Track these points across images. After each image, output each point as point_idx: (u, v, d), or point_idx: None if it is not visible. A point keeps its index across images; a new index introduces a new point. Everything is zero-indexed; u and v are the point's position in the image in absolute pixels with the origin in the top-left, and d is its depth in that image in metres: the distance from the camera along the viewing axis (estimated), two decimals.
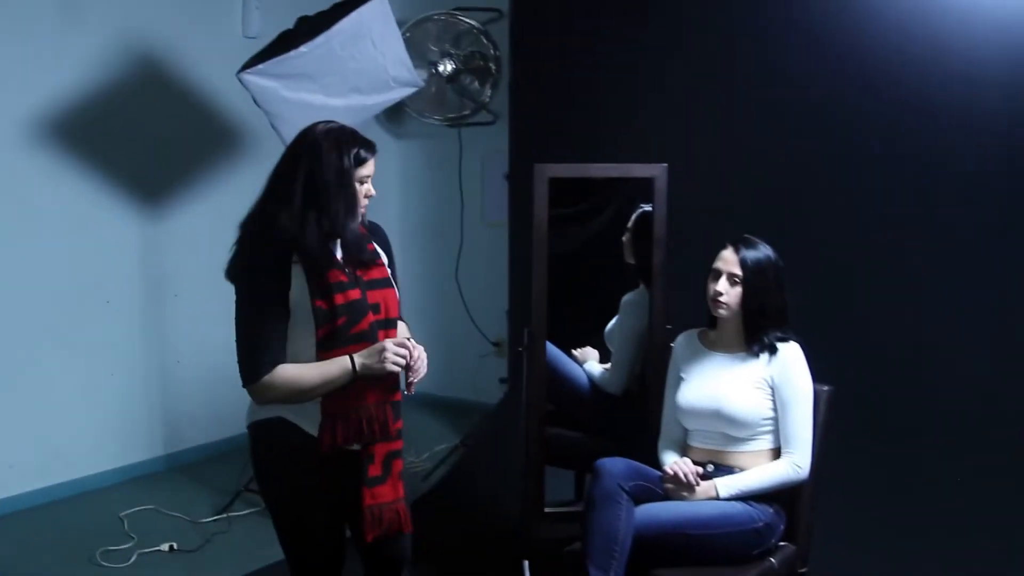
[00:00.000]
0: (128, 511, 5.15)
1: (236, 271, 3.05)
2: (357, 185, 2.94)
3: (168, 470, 5.79)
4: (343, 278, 2.89)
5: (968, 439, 4.52)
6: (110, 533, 4.91)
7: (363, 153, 2.96)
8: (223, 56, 5.33)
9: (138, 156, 5.64)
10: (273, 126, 4.74)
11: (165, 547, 4.75)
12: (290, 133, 4.74)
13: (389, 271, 3.12)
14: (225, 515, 5.12)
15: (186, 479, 5.65)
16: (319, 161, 2.89)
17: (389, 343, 2.87)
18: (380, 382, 2.90)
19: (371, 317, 2.92)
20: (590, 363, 4.34)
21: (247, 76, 4.65)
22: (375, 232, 3.17)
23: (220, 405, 6.01)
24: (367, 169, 2.97)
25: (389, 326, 3.02)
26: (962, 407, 4.56)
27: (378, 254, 3.08)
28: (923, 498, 4.44)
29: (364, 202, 3.01)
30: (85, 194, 5.40)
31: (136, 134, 5.61)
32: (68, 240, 5.33)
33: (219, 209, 5.92)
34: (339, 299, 2.86)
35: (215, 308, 5.87)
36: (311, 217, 2.86)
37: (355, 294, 2.89)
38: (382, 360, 2.84)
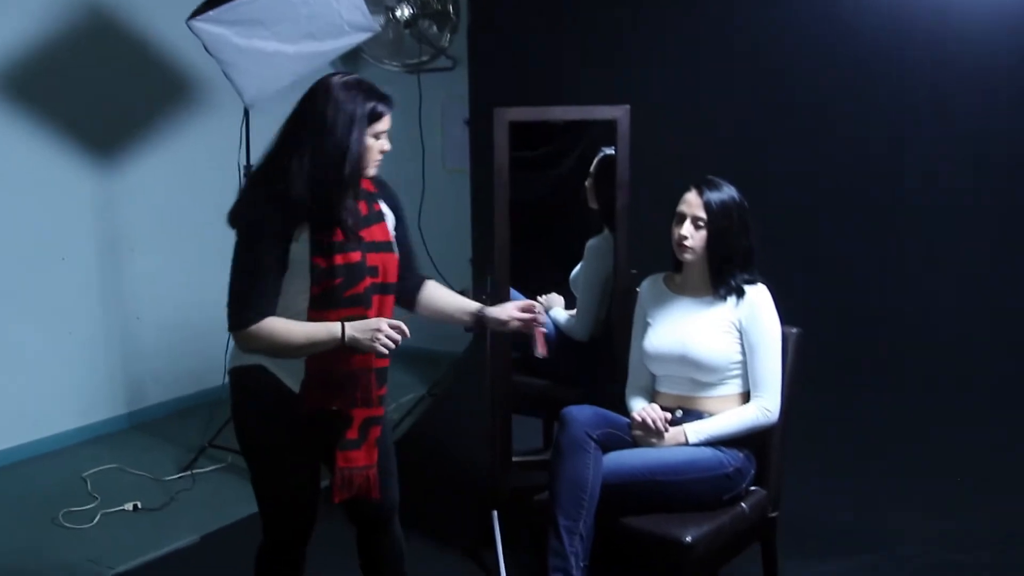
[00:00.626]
0: (91, 471, 5.08)
1: (240, 219, 2.97)
2: (372, 140, 2.84)
3: (131, 428, 5.72)
4: (344, 238, 2.79)
5: (936, 380, 4.53)
6: (73, 494, 4.84)
7: (380, 107, 2.86)
8: (173, 3, 5.20)
9: (89, 109, 5.51)
10: (226, 75, 4.64)
11: (129, 506, 4.69)
12: (244, 82, 4.67)
13: (395, 233, 3.02)
14: (189, 472, 5.05)
15: (149, 437, 5.57)
16: (333, 111, 2.77)
17: (384, 323, 2.76)
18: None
19: (368, 281, 2.84)
20: (556, 310, 4.29)
21: (197, 23, 4.54)
22: (383, 189, 3.08)
23: (181, 362, 5.95)
24: (383, 124, 2.88)
25: (386, 291, 2.94)
26: (930, 349, 4.57)
27: (382, 214, 2.99)
28: (892, 440, 4.45)
29: (378, 158, 2.91)
30: (36, 150, 5.27)
31: (86, 87, 5.47)
32: (20, 197, 5.21)
33: (173, 162, 5.84)
34: (338, 259, 2.78)
35: (172, 263, 5.83)
36: (319, 170, 2.75)
37: (355, 256, 2.81)
38: (373, 339, 2.75)
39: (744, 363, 3.41)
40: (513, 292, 4.14)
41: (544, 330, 3.21)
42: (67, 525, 4.54)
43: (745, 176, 3.70)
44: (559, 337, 4.23)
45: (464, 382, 5.48)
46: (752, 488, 3.46)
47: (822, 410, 4.38)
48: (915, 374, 4.57)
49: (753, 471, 3.43)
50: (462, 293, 6.29)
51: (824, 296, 4.66)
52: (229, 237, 5.18)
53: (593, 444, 3.26)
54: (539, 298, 4.29)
